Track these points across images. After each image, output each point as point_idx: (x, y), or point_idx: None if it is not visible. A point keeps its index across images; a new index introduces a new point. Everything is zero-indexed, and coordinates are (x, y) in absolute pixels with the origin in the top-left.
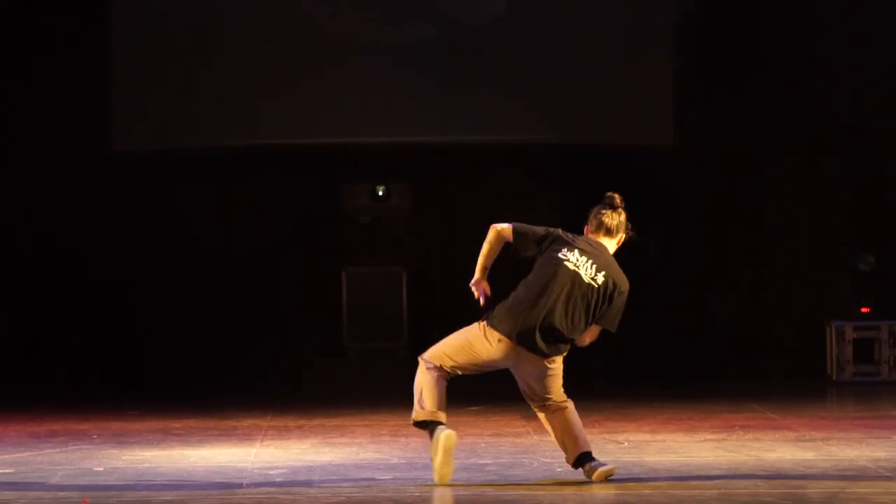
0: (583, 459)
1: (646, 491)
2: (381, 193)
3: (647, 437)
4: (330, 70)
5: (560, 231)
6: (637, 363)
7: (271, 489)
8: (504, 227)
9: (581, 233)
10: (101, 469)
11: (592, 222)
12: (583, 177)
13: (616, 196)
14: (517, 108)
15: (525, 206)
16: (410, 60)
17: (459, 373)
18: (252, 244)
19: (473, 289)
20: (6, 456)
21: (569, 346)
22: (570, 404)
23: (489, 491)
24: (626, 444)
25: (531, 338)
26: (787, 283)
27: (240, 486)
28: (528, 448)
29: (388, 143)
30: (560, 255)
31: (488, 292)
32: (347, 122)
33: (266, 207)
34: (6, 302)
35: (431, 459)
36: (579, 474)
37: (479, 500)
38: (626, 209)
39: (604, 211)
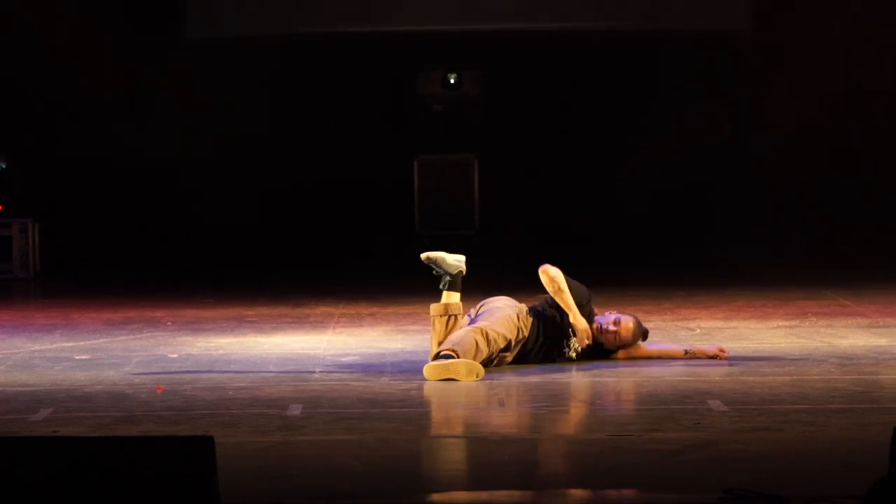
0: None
1: (717, 378)
2: (452, 81)
3: (720, 323)
4: None
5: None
6: (710, 248)
7: (343, 375)
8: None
9: None
10: (175, 356)
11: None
12: (654, 64)
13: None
14: None
15: (595, 94)
16: None
17: None
18: (323, 132)
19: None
20: (82, 342)
21: None
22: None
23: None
24: (698, 330)
25: None
26: (864, 167)
27: (312, 372)
28: None
29: (461, 31)
30: None
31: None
32: (420, 9)
33: (338, 96)
34: (83, 197)
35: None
36: (643, 364)
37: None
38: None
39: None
